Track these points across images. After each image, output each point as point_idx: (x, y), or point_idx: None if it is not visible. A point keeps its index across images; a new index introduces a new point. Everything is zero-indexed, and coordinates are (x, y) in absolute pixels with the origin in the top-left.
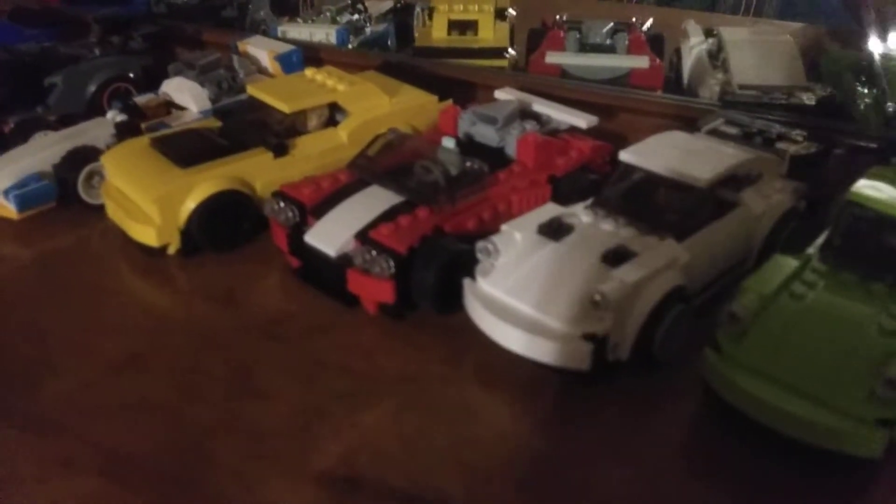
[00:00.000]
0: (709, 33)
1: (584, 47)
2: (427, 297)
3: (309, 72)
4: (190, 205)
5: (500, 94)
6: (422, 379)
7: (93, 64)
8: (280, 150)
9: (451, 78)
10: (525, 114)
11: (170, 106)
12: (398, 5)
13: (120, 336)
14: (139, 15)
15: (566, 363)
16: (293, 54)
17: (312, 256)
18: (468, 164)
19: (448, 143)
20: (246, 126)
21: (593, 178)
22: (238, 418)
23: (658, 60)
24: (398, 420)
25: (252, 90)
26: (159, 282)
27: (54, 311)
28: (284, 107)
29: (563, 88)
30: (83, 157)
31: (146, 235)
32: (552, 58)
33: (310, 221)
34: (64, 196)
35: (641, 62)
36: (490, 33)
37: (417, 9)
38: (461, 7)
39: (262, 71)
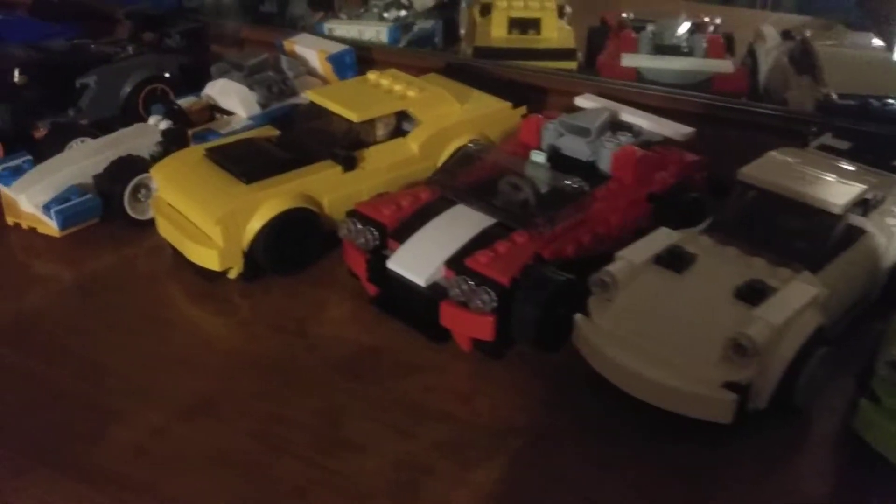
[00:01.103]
0: (785, 35)
1: (660, 49)
2: (531, 334)
3: (372, 75)
4: (255, 225)
5: (581, 102)
6: (533, 429)
7: (127, 63)
8: (349, 164)
9: (517, 82)
10: (614, 124)
11: (214, 110)
12: (445, 0)
13: (185, 375)
14: (171, 10)
15: (704, 414)
16: (346, 55)
17: (395, 285)
18: (567, 182)
19: (538, 157)
20: (309, 136)
21: (694, 196)
22: (331, 474)
23: (742, 65)
24: (515, 479)
25: (314, 96)
26: (220, 310)
27: (108, 344)
28: (353, 115)
29: (644, 95)
30: (129, 168)
31: (207, 259)
32: (629, 60)
33: (390, 245)
34: (107, 211)
35: (725, 66)
36: (554, 32)
37: (463, 4)
38: (522, 4)
39: (310, 72)
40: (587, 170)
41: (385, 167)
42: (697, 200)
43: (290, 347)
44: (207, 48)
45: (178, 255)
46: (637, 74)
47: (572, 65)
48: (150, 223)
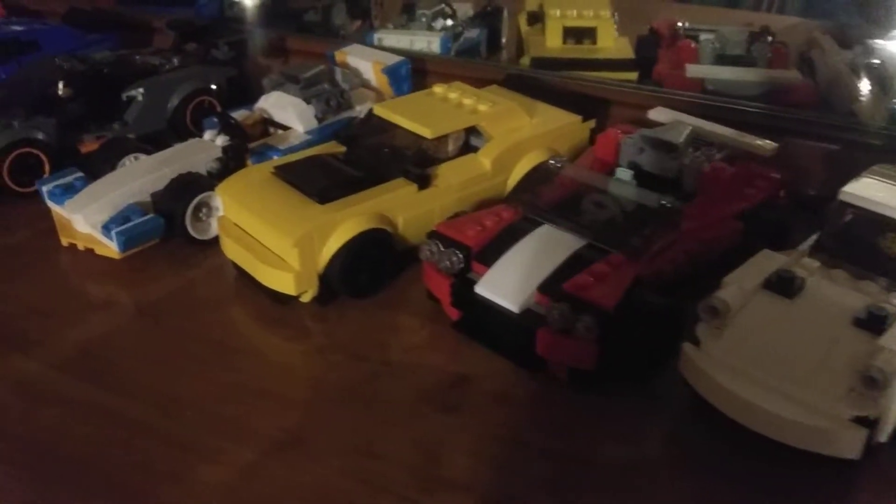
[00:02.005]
0: (844, 44)
1: (722, 59)
2: (634, 363)
3: (438, 89)
4: (332, 246)
5: (655, 115)
6: (643, 467)
7: (174, 75)
8: (424, 182)
9: (584, 94)
10: (695, 138)
11: (267, 124)
12: (488, 9)
13: (268, 407)
14: (215, 21)
15: (829, 450)
16: (402, 66)
17: (482, 310)
18: (658, 200)
19: (624, 174)
20: (377, 153)
21: (782, 214)
22: None
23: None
24: None
25: (381, 111)
26: (294, 336)
27: (180, 374)
28: (426, 131)
29: (710, 106)
30: (190, 186)
31: (281, 282)
32: (695, 71)
33: (475, 268)
34: (167, 230)
35: (794, 76)
36: (611, 42)
37: (505, 12)
38: (576, 13)
39: (364, 84)
40: (672, 187)
41: (457, 184)
42: (785, 219)
43: (373, 376)
44: (253, 59)
45: (243, 277)
46: (700, 85)
47: (632, 75)
48: (210, 243)
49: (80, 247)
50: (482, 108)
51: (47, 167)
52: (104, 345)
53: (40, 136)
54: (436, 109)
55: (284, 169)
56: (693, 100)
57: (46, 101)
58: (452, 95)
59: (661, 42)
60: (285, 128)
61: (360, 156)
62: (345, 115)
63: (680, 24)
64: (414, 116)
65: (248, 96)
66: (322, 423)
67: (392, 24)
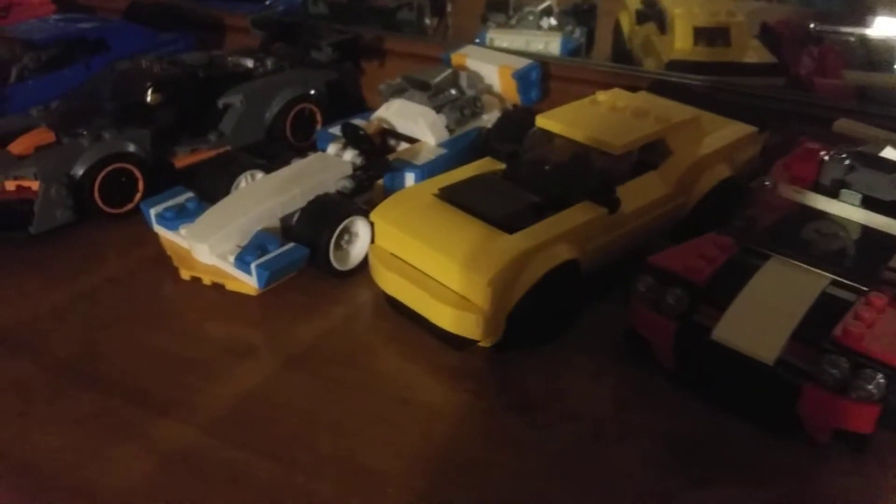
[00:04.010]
0: None
1: (875, 64)
2: None
3: (602, 96)
4: (525, 283)
5: (842, 129)
6: None
7: (272, 81)
8: (615, 205)
9: (752, 104)
10: None
11: (387, 136)
12: (584, 7)
13: (481, 483)
14: (297, 16)
15: None
16: (532, 70)
17: (718, 360)
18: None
19: (852, 198)
20: (551, 172)
21: None
22: None
23: None
24: None
25: (546, 123)
26: (481, 391)
27: (367, 442)
28: (613, 146)
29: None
30: (333, 209)
31: (465, 326)
32: (854, 76)
33: (702, 309)
34: (309, 261)
35: None
36: (747, 43)
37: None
38: (707, 12)
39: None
40: (891, 210)
41: (642, 207)
42: None
43: (590, 441)
44: (356, 62)
45: (401, 315)
46: (854, 93)
47: (778, 81)
48: (350, 274)
49: (207, 281)
50: (664, 118)
51: (141, 185)
52: (259, 402)
53: (133, 149)
54: (611, 121)
55: (453, 192)
56: (850, 110)
57: (134, 109)
58: (621, 104)
59: (781, 43)
60: (410, 140)
61: (526, 175)
62: (475, 125)
63: (813, 25)
64: (591, 129)
65: (350, 102)
66: (545, 499)
67: (493, 22)
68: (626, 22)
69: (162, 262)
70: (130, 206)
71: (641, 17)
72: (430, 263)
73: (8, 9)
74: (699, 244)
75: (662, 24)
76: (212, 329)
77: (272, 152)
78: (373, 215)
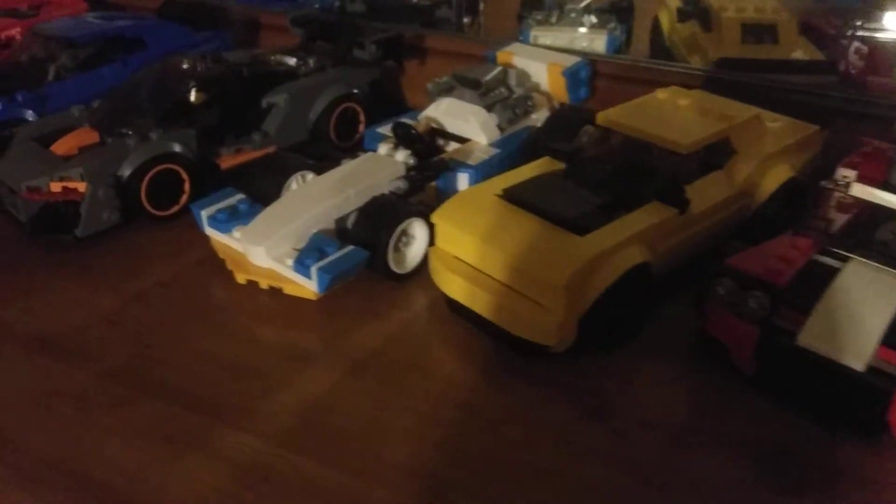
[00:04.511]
0: None
1: None
2: None
3: (662, 94)
4: (599, 286)
5: None
6: None
7: (316, 80)
8: (685, 205)
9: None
10: None
11: (436, 135)
12: (623, 4)
13: (574, 495)
14: (337, 14)
15: None
16: (581, 68)
17: (802, 365)
18: None
19: None
20: (614, 171)
21: None
22: None
23: None
24: None
25: (609, 120)
26: (556, 397)
27: (442, 451)
28: (681, 144)
29: None
30: (390, 210)
31: (539, 331)
32: None
33: (783, 313)
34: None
35: None
36: (795, 40)
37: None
38: (753, 9)
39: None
40: None
41: (709, 207)
42: None
43: (670, 449)
44: (399, 61)
45: (464, 320)
46: None
47: (829, 78)
48: (407, 277)
49: (264, 285)
50: (728, 116)
51: (187, 186)
52: (325, 410)
53: (179, 149)
54: (675, 118)
55: (518, 192)
56: None
57: (177, 108)
58: (683, 101)
59: (825, 41)
60: (459, 139)
61: (589, 174)
62: (525, 123)
63: (859, 22)
64: (656, 127)
65: (392, 102)
66: None
67: (534, 20)
68: (666, 19)
69: (212, 265)
70: (176, 208)
71: (683, 15)
72: (497, 267)
73: (39, 7)
74: (777, 246)
75: (706, 22)
76: (269, 334)
77: (318, 153)
78: (434, 217)
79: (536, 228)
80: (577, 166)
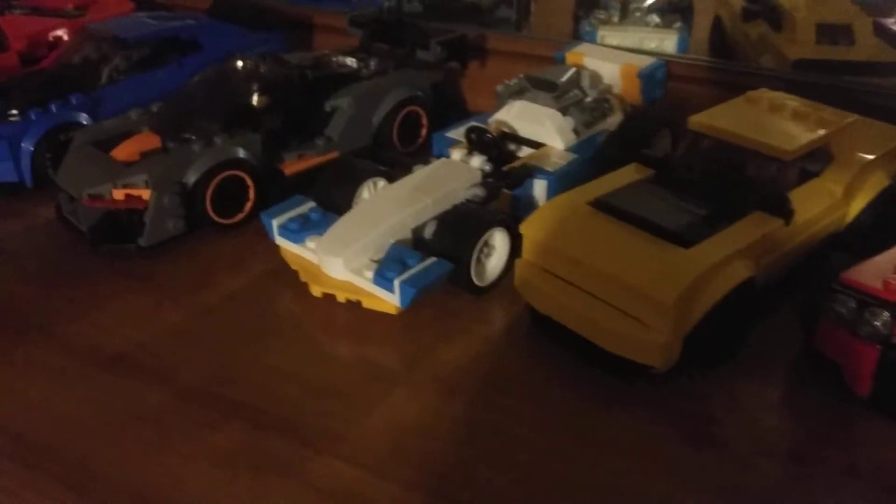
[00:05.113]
0: None
1: None
2: None
3: (754, 95)
4: (706, 303)
5: None
6: None
7: (380, 82)
8: (790, 216)
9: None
10: None
11: (506, 139)
12: (683, 3)
13: None
14: (396, 15)
15: None
16: (657, 69)
17: None
18: None
19: None
20: (713, 179)
21: None
22: None
23: None
24: None
25: (703, 124)
26: (665, 419)
27: (538, 476)
28: (784, 151)
29: None
30: (473, 220)
31: (643, 351)
32: None
33: None
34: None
35: None
36: (871, 41)
37: None
38: (827, 9)
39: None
40: None
41: (811, 218)
42: None
43: (792, 480)
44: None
45: (553, 336)
46: None
47: None
48: (486, 290)
49: (341, 299)
50: (826, 122)
51: (252, 193)
52: (417, 434)
53: (244, 155)
54: (773, 124)
55: (612, 201)
56: None
57: (240, 112)
58: (776, 105)
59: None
60: (532, 144)
61: (683, 182)
62: (600, 127)
63: None
64: (756, 132)
65: (454, 105)
66: None
67: (593, 19)
68: (729, 18)
69: (281, 276)
70: (241, 216)
71: (749, 14)
72: (593, 281)
73: (86, 7)
74: (891, 258)
75: (776, 21)
76: (348, 351)
77: (385, 158)
78: (523, 227)
79: (636, 240)
80: (669, 173)
